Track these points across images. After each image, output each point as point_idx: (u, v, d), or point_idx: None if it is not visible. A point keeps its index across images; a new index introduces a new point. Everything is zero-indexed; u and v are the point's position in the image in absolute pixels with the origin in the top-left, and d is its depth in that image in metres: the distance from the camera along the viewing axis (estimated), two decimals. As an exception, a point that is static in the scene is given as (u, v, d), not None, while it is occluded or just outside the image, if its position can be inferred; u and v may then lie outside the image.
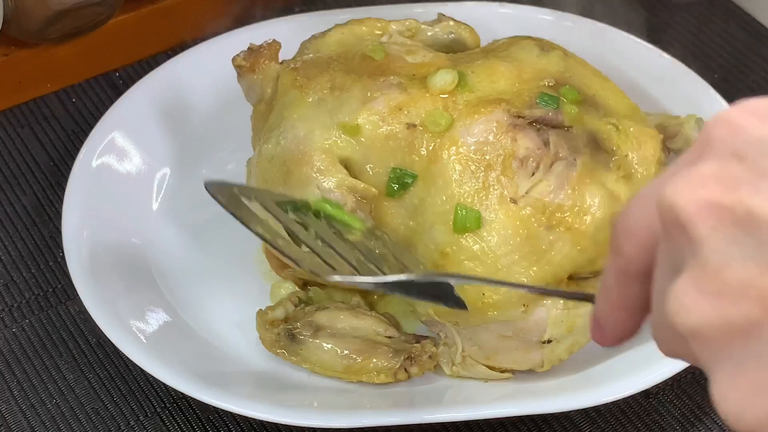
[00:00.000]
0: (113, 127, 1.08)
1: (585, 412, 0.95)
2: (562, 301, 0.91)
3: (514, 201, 0.91)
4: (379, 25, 1.03)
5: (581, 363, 0.94)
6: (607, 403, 0.94)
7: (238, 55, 1.00)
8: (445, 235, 0.90)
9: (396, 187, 0.92)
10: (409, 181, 0.92)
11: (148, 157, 1.08)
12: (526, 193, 0.91)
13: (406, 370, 0.94)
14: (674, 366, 0.91)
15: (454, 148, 0.92)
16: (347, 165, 0.93)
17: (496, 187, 0.91)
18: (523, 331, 0.91)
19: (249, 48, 1.00)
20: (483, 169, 0.91)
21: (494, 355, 0.93)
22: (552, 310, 0.91)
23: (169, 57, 1.18)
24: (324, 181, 0.91)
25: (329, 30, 1.02)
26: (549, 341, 0.92)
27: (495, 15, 1.16)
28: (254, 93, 1.01)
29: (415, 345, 0.95)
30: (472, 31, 1.05)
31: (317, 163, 0.92)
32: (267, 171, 0.94)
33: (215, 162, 1.11)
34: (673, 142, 1.02)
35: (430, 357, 0.94)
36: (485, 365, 0.94)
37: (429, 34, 1.04)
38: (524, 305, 0.90)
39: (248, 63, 1.00)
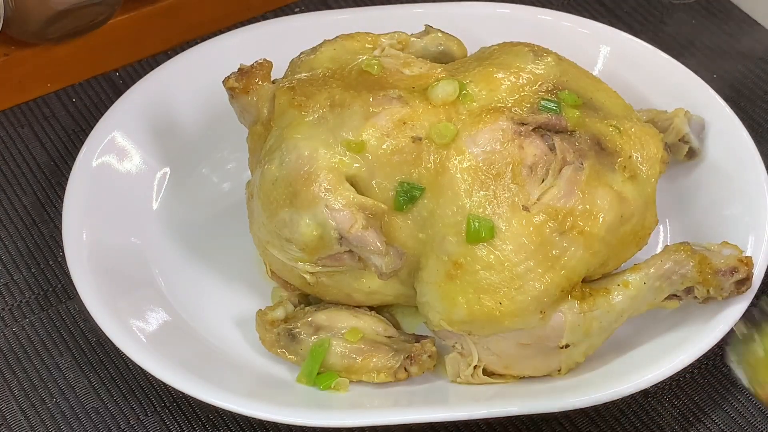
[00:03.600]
0: (113, 127, 1.08)
1: (585, 412, 0.96)
2: (577, 305, 0.91)
3: (526, 208, 0.91)
4: (369, 39, 1.02)
5: (582, 363, 0.94)
6: (606, 403, 0.94)
7: (229, 77, 0.99)
8: (458, 245, 0.91)
9: (404, 200, 0.92)
10: (417, 194, 0.92)
11: (148, 157, 1.08)
12: (538, 199, 0.91)
13: (405, 369, 0.94)
14: (673, 366, 0.92)
15: (461, 158, 0.92)
16: (353, 182, 0.92)
17: (506, 196, 0.91)
18: (541, 338, 0.92)
19: (240, 69, 0.99)
20: (492, 178, 0.92)
21: (513, 363, 0.93)
22: (568, 314, 0.91)
23: (169, 57, 1.18)
24: (332, 201, 0.91)
25: (319, 46, 1.02)
26: (567, 346, 0.92)
27: (493, 15, 1.16)
28: (249, 114, 1.00)
29: (414, 344, 0.95)
30: (460, 43, 1.05)
31: (324, 182, 0.91)
32: (271, 193, 0.93)
33: (215, 162, 1.11)
34: (665, 136, 1.03)
35: (429, 356, 0.94)
36: (502, 374, 0.94)
37: (418, 46, 1.04)
38: (541, 312, 0.91)
39: (241, 84, 0.98)
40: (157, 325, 0.97)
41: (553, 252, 0.91)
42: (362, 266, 0.93)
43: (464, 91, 0.95)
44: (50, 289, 1.04)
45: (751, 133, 1.06)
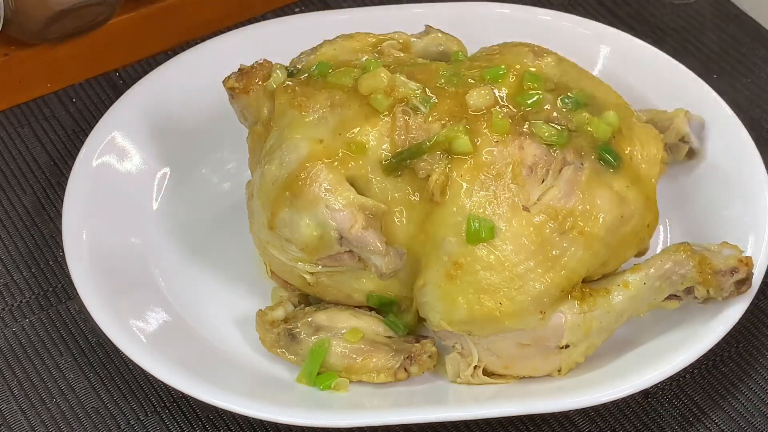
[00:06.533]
0: (113, 127, 1.08)
1: (585, 412, 0.96)
2: (577, 305, 0.91)
3: (526, 209, 0.91)
4: (369, 39, 1.02)
5: (582, 363, 0.94)
6: (606, 403, 0.94)
7: (229, 77, 0.99)
8: (458, 246, 0.90)
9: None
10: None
11: (148, 157, 1.08)
12: (538, 200, 0.91)
13: (405, 369, 0.94)
14: (673, 366, 0.92)
15: (461, 159, 0.92)
16: (353, 182, 0.92)
17: (506, 196, 0.91)
18: (541, 338, 0.92)
19: (240, 69, 0.99)
20: (492, 178, 0.91)
21: (513, 363, 0.93)
22: (568, 315, 0.91)
23: (169, 57, 1.18)
24: (332, 201, 0.91)
25: (319, 46, 1.01)
26: (567, 346, 0.92)
27: (493, 15, 1.16)
28: (249, 114, 1.00)
29: (414, 345, 0.95)
30: (460, 43, 1.05)
31: (324, 182, 0.91)
32: (271, 193, 0.93)
33: (215, 162, 1.11)
34: (665, 136, 1.03)
35: (429, 356, 0.94)
36: (502, 374, 0.94)
37: (419, 46, 1.04)
38: (541, 312, 0.91)
39: (241, 84, 0.98)
40: (157, 325, 0.97)
41: (553, 252, 0.91)
42: (362, 266, 0.93)
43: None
44: (50, 289, 1.04)
45: (751, 133, 1.06)
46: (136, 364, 0.93)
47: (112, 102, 1.11)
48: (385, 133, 0.93)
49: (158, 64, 1.15)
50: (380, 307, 0.97)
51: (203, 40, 1.17)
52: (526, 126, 0.93)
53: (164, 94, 1.11)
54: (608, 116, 0.95)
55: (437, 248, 0.91)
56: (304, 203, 0.91)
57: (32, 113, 1.18)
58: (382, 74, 0.94)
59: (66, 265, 0.98)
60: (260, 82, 0.98)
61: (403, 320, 0.97)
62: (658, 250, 0.99)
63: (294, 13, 1.24)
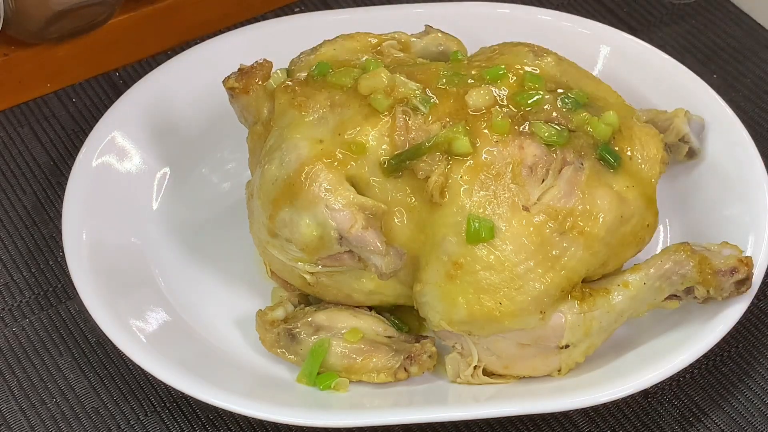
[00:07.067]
0: (113, 127, 1.08)
1: (585, 412, 0.96)
2: (577, 305, 0.91)
3: (526, 209, 0.91)
4: (369, 39, 1.02)
5: (582, 363, 0.94)
6: (606, 403, 0.94)
7: (229, 77, 0.99)
8: (458, 246, 0.90)
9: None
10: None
11: (148, 157, 1.08)
12: (538, 200, 0.91)
13: (405, 369, 0.94)
14: (673, 366, 0.92)
15: (461, 159, 0.92)
16: (353, 182, 0.92)
17: (506, 196, 0.91)
18: (541, 338, 0.92)
19: (240, 69, 0.99)
20: (492, 178, 0.91)
21: (512, 363, 0.93)
22: (568, 315, 0.91)
23: (169, 57, 1.18)
24: (332, 201, 0.91)
25: (319, 46, 1.01)
26: (567, 346, 0.92)
27: (493, 15, 1.16)
28: (249, 114, 1.00)
29: (414, 345, 0.95)
30: (460, 43, 1.05)
31: (324, 182, 0.91)
32: (271, 193, 0.93)
33: (215, 162, 1.11)
34: (665, 136, 1.03)
35: (429, 356, 0.94)
36: (502, 374, 0.94)
37: (419, 46, 1.04)
38: (541, 312, 0.91)
39: (241, 84, 0.99)
40: (157, 325, 0.97)
41: (553, 252, 0.91)
42: (362, 266, 0.93)
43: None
44: (50, 289, 1.04)
45: (751, 133, 1.06)
46: (136, 364, 0.93)
47: (112, 102, 1.11)
48: (384, 133, 0.93)
49: (158, 64, 1.15)
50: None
51: (203, 40, 1.17)
52: (526, 126, 0.93)
53: (164, 94, 1.11)
54: (608, 116, 0.95)
55: (437, 248, 0.91)
56: (304, 203, 0.91)
57: (32, 113, 1.18)
58: (382, 74, 0.94)
59: (66, 265, 0.98)
60: (260, 82, 0.98)
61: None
62: (658, 250, 0.99)
63: (294, 13, 1.24)
